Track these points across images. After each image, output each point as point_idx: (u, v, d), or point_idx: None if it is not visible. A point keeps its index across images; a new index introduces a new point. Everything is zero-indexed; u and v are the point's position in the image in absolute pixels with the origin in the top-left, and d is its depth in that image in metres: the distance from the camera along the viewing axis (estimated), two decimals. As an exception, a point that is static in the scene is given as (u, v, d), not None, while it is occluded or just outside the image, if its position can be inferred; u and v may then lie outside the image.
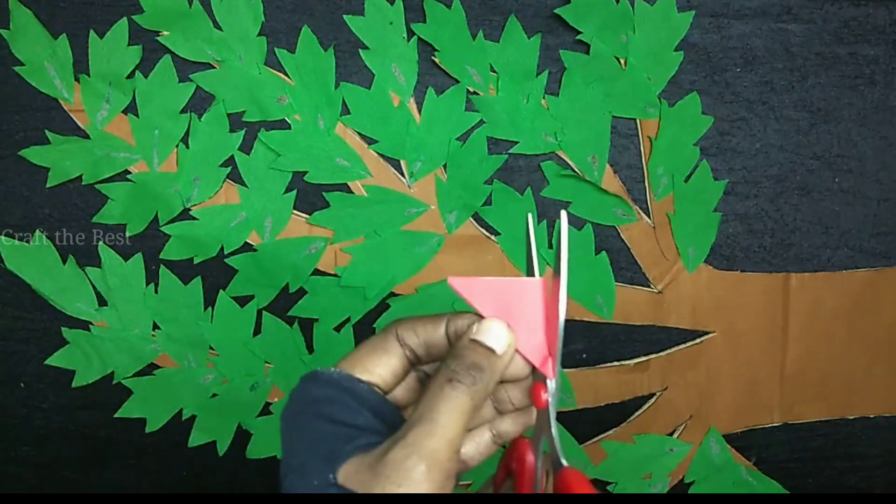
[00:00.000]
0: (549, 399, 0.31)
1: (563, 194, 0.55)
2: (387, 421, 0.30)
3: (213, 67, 0.54)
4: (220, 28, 0.53)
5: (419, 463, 0.26)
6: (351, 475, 0.27)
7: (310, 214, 0.55)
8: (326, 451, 0.28)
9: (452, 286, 0.31)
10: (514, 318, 0.31)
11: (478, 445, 0.33)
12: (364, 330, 0.56)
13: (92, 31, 0.53)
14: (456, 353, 0.29)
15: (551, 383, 0.31)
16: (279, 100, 0.54)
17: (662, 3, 0.54)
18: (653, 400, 0.58)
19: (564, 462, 0.31)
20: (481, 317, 0.31)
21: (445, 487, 0.27)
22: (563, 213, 0.31)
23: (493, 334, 0.30)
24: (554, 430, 0.31)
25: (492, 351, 0.30)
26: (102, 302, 0.55)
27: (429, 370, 0.33)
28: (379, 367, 0.31)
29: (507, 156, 0.55)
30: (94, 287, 0.55)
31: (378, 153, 0.55)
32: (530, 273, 0.33)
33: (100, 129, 0.53)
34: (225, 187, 0.54)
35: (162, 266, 0.55)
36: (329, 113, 0.54)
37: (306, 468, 0.28)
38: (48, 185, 0.54)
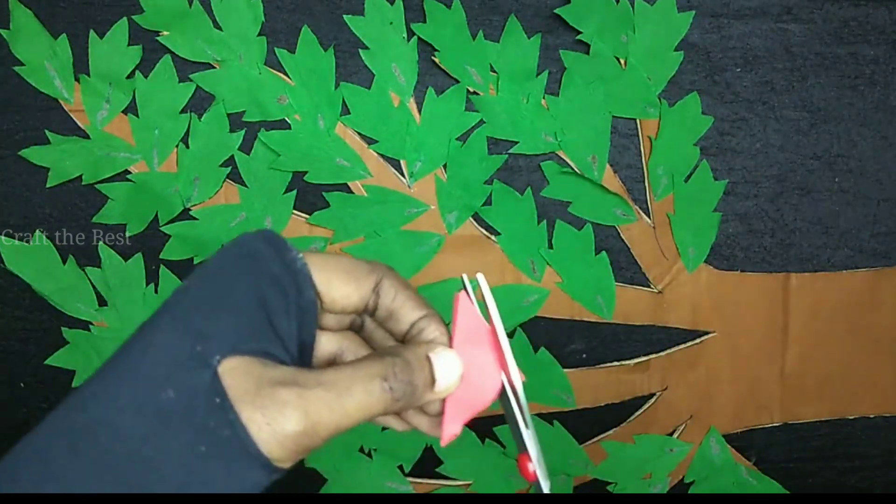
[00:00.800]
0: (536, 470, 0.29)
1: (563, 194, 0.56)
2: (301, 346, 0.28)
3: (213, 67, 0.54)
4: (220, 28, 0.53)
5: (300, 422, 0.24)
6: (234, 373, 0.25)
7: (310, 214, 0.55)
8: (231, 329, 0.25)
9: (458, 297, 0.30)
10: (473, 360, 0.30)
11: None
12: (364, 330, 0.56)
13: (92, 31, 0.53)
14: (406, 358, 0.28)
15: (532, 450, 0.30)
16: (279, 100, 0.54)
17: (662, 3, 0.54)
18: (653, 400, 0.58)
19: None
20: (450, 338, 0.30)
21: (302, 452, 0.25)
22: (480, 276, 0.30)
23: (446, 369, 0.29)
24: (545, 488, 0.30)
25: (433, 381, 0.28)
26: (102, 302, 0.55)
27: (367, 324, 0.31)
28: (340, 291, 0.29)
29: (507, 156, 0.55)
30: (94, 287, 0.55)
31: (378, 153, 0.55)
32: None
33: (100, 129, 0.53)
34: (225, 187, 0.54)
35: (162, 266, 0.55)
36: (329, 113, 0.54)
37: (202, 330, 0.25)
38: (48, 185, 0.54)
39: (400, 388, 0.27)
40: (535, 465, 0.29)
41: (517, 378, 0.30)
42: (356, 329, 0.32)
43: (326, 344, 0.31)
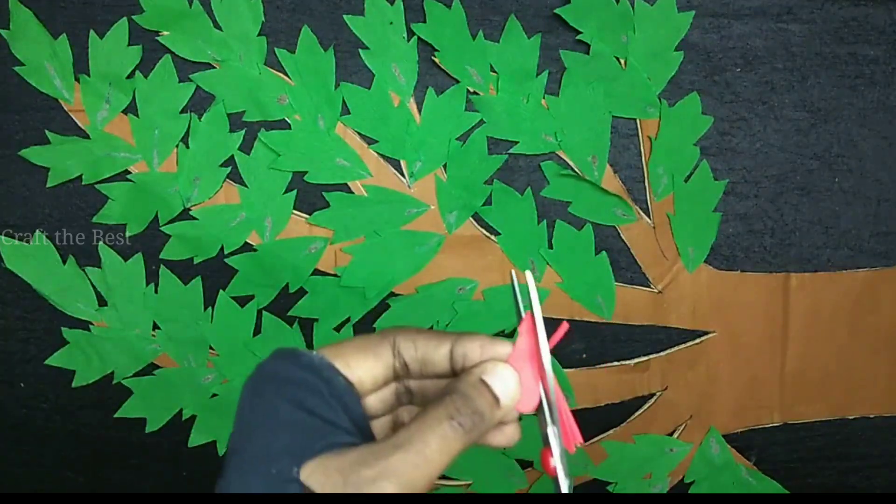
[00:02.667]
0: (557, 466, 0.30)
1: (563, 194, 0.55)
2: (357, 425, 0.28)
3: (213, 67, 0.54)
4: (220, 28, 0.53)
5: (395, 490, 0.25)
6: (316, 474, 0.25)
7: (310, 214, 0.55)
8: (294, 441, 0.26)
9: (528, 315, 0.30)
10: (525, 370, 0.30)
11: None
12: (364, 330, 0.56)
13: (92, 31, 0.53)
14: (463, 391, 0.28)
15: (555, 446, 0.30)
16: (279, 100, 0.54)
17: (662, 3, 0.54)
18: (653, 400, 0.58)
19: None
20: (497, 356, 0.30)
21: None
22: (528, 273, 0.30)
23: (503, 383, 0.29)
24: (564, 487, 0.30)
25: (497, 400, 0.29)
26: (102, 302, 0.55)
27: (412, 387, 0.32)
28: (362, 368, 0.29)
29: (507, 156, 0.55)
30: (94, 287, 0.55)
31: (378, 153, 0.55)
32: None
33: (100, 129, 0.53)
34: (225, 187, 0.54)
35: (162, 266, 0.55)
36: (329, 113, 0.54)
37: (267, 454, 0.26)
38: (48, 185, 0.54)
39: (469, 421, 0.27)
40: (557, 461, 0.30)
41: (550, 374, 0.30)
42: (406, 402, 0.32)
43: (382, 427, 0.32)
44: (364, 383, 0.30)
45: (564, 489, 0.29)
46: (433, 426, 0.27)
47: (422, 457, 0.26)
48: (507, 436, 0.30)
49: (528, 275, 0.31)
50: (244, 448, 0.27)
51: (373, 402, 0.31)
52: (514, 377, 0.29)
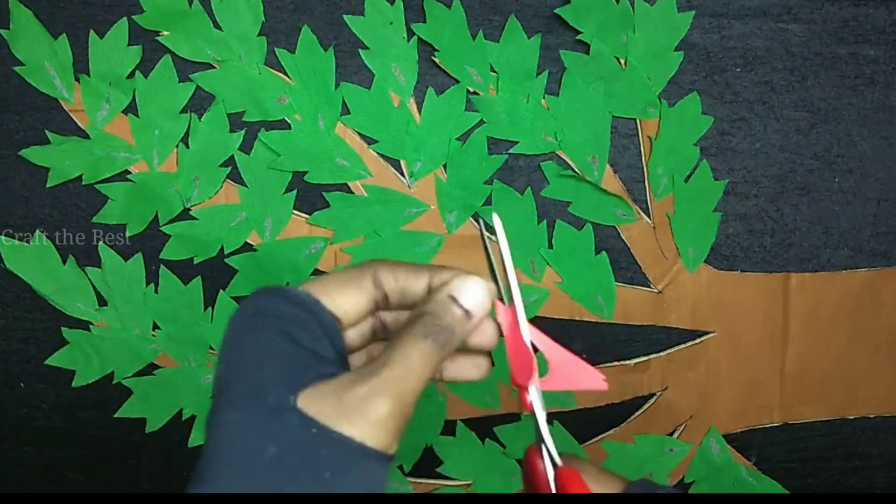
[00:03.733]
0: (534, 403, 0.31)
1: (563, 194, 0.55)
2: (342, 357, 0.30)
3: (213, 67, 0.54)
4: (220, 28, 0.53)
5: (388, 402, 0.26)
6: (312, 401, 0.26)
7: (310, 214, 0.55)
8: (285, 372, 0.27)
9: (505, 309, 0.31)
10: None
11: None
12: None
13: (92, 31, 0.53)
14: (432, 310, 0.29)
15: (533, 389, 0.31)
16: (279, 100, 0.54)
17: (662, 3, 0.54)
18: (653, 400, 0.58)
19: (559, 461, 0.31)
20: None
21: (400, 429, 0.27)
22: (495, 216, 0.32)
23: (471, 295, 0.30)
24: (544, 431, 0.31)
25: (467, 313, 0.30)
26: (102, 302, 0.55)
27: (388, 320, 0.33)
28: (346, 301, 0.30)
29: (507, 156, 0.55)
30: (94, 287, 0.55)
31: (378, 153, 0.55)
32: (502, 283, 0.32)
33: (100, 129, 0.53)
34: (225, 187, 0.54)
35: (162, 266, 0.55)
36: (329, 113, 0.54)
37: (261, 385, 0.26)
38: (48, 185, 0.54)
39: (441, 335, 0.29)
40: (534, 393, 0.31)
41: (523, 317, 0.31)
42: (383, 337, 0.33)
43: (358, 362, 0.33)
44: (349, 317, 0.30)
45: (542, 420, 0.31)
46: (412, 343, 0.28)
47: (406, 370, 0.27)
48: (486, 336, 0.31)
49: (496, 218, 0.32)
50: (236, 382, 0.27)
51: (352, 335, 0.32)
52: (480, 286, 0.30)
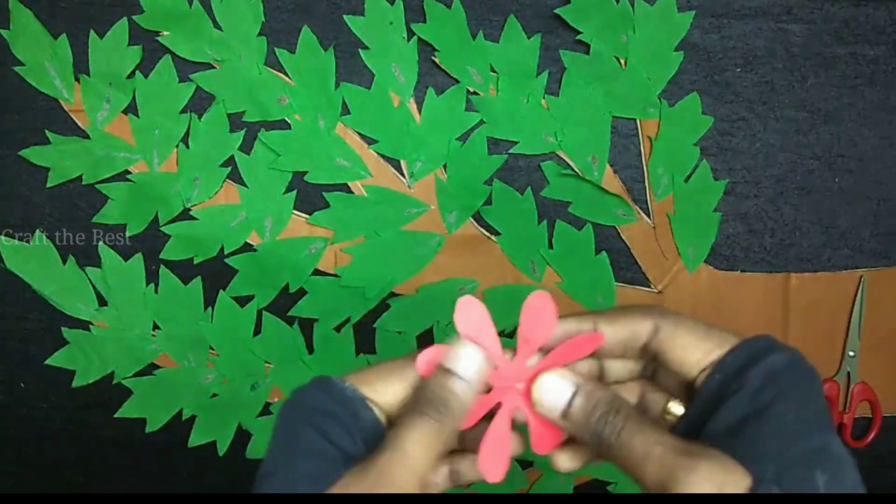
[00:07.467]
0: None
1: (563, 194, 0.55)
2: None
3: (213, 67, 0.54)
4: (220, 28, 0.53)
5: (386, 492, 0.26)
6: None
7: (310, 214, 0.55)
8: (317, 469, 0.28)
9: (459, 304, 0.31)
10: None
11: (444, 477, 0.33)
12: (364, 330, 0.56)
13: (92, 31, 0.53)
14: (425, 385, 0.29)
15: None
16: (279, 100, 0.54)
17: (662, 3, 0.54)
18: (653, 400, 0.58)
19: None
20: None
21: None
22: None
23: (463, 360, 0.30)
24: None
25: (461, 378, 0.29)
26: (102, 302, 0.55)
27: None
28: (388, 391, 0.30)
29: (507, 156, 0.55)
30: (94, 287, 0.55)
31: (378, 153, 0.55)
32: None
33: (100, 129, 0.54)
34: (225, 187, 0.54)
35: (162, 266, 0.55)
36: (329, 113, 0.54)
37: (294, 481, 0.28)
38: (48, 185, 0.54)
39: (435, 411, 0.29)
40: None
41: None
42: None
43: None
44: (391, 406, 0.31)
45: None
46: (408, 425, 0.28)
47: (402, 454, 0.27)
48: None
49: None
50: (274, 476, 0.28)
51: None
52: (471, 351, 0.30)
